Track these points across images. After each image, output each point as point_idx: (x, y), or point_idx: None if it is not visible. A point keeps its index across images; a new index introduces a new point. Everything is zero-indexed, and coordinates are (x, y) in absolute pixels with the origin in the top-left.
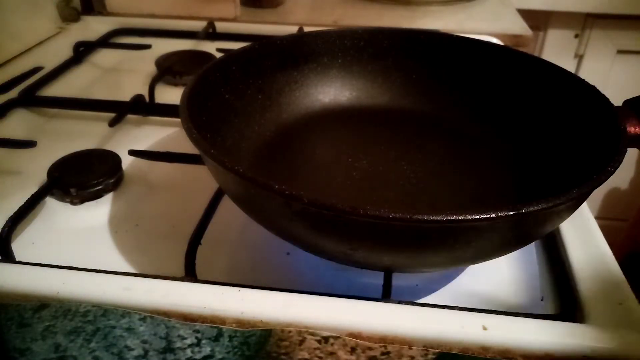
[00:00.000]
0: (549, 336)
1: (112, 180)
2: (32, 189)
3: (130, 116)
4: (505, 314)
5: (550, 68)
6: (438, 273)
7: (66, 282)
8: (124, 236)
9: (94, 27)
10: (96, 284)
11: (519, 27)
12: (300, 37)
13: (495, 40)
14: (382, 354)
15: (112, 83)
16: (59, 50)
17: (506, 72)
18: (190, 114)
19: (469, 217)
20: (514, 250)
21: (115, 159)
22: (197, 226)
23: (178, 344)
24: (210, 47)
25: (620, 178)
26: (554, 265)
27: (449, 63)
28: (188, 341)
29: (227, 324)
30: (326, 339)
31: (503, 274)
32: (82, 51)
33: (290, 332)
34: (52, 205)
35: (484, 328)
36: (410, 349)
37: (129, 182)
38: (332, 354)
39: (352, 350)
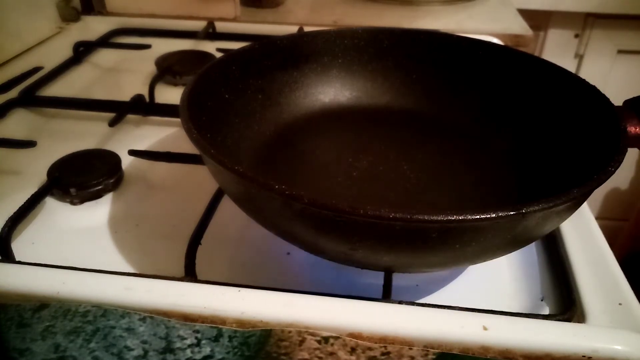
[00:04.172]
0: (549, 336)
1: (112, 180)
2: (32, 189)
3: (130, 116)
4: (505, 314)
5: (551, 68)
6: (438, 273)
7: (66, 282)
8: (124, 236)
9: (94, 27)
10: (96, 284)
11: (520, 27)
12: (300, 37)
13: (495, 40)
14: (382, 354)
15: (112, 83)
16: (59, 50)
17: (506, 72)
18: (190, 114)
19: (469, 217)
20: (514, 250)
21: (115, 159)
22: (197, 226)
23: (178, 344)
24: (210, 47)
25: (621, 178)
26: (554, 265)
27: (449, 63)
28: (188, 341)
29: (227, 324)
30: (326, 339)
31: (503, 274)
32: (82, 51)
33: (290, 332)
34: (52, 205)
35: (484, 328)
36: (411, 349)
37: (129, 182)
38: (332, 354)
39: (352, 350)
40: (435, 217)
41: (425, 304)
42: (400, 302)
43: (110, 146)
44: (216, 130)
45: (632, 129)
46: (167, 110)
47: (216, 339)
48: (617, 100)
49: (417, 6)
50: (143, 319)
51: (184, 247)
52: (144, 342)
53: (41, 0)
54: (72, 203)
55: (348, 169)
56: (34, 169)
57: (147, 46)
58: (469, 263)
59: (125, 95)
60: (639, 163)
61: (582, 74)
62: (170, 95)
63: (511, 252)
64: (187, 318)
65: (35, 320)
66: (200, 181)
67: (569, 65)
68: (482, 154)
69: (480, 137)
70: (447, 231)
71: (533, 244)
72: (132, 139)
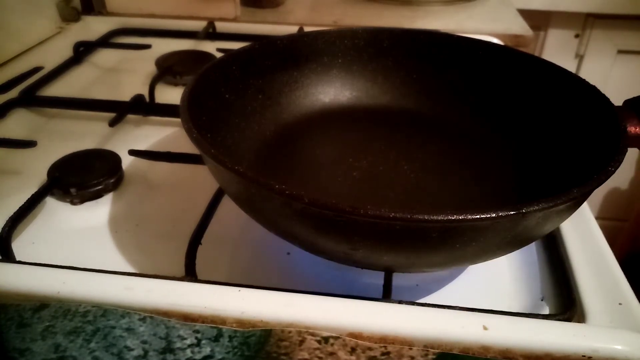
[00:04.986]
0: (549, 336)
1: (112, 180)
2: (32, 189)
3: (130, 116)
4: (505, 314)
5: (551, 68)
6: (438, 273)
7: (66, 282)
8: (124, 236)
9: (94, 27)
10: (96, 284)
11: (520, 27)
12: (301, 37)
13: (495, 40)
14: (382, 354)
15: (112, 83)
16: (59, 50)
17: (506, 72)
18: (191, 114)
19: (469, 217)
20: (514, 250)
21: (115, 159)
22: (197, 226)
23: (178, 344)
24: (210, 47)
25: (620, 178)
26: (554, 265)
27: (449, 63)
28: (188, 341)
29: (227, 324)
30: (326, 339)
31: (503, 274)
32: (82, 51)
33: (290, 332)
34: (52, 205)
35: (485, 328)
36: (411, 349)
37: (129, 182)
38: (332, 354)
39: (352, 350)
40: (435, 217)
41: (425, 303)
42: (400, 302)
43: (110, 146)
44: (216, 130)
45: (632, 129)
46: (167, 110)
47: (216, 339)
48: (617, 100)
49: (417, 6)
50: (143, 319)
51: (184, 247)
52: (144, 342)
53: (41, 1)
54: (72, 203)
55: (348, 169)
56: (34, 169)
57: (147, 46)
58: (469, 263)
59: (125, 95)
60: (639, 163)
61: (582, 74)
62: (170, 95)
63: (511, 252)
64: (187, 318)
65: (36, 320)
66: (200, 181)
67: (569, 65)
68: (482, 153)
69: (480, 137)
70: (447, 231)
71: (533, 244)
72: (132, 139)
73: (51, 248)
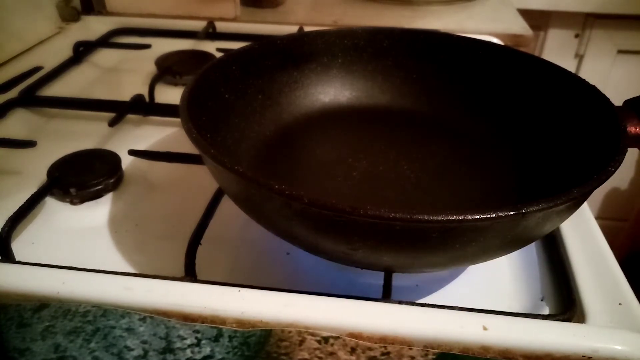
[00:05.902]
0: (549, 336)
1: (112, 180)
2: (32, 189)
3: (130, 116)
4: (505, 314)
5: (551, 68)
6: (438, 273)
7: (66, 282)
8: (124, 236)
9: (94, 27)
10: (96, 284)
11: (519, 27)
12: (300, 37)
13: (495, 40)
14: (382, 354)
15: (112, 83)
16: (59, 50)
17: (506, 72)
18: (190, 114)
19: (469, 217)
20: (514, 250)
21: (115, 159)
22: (197, 226)
23: (178, 344)
24: (210, 47)
25: (620, 178)
26: (554, 265)
27: (449, 63)
28: (188, 341)
29: (227, 324)
30: (326, 339)
31: (503, 274)
32: (82, 51)
33: (290, 332)
34: (52, 205)
35: (484, 328)
36: (411, 349)
37: (129, 182)
38: (332, 354)
39: (352, 350)
40: (435, 217)
41: (425, 304)
42: (400, 302)
43: (110, 146)
44: (216, 130)
45: (632, 129)
46: (167, 110)
47: (216, 339)
48: (617, 100)
49: (417, 6)
50: (143, 319)
51: (184, 247)
52: (144, 342)
53: (41, 0)
54: (72, 203)
55: (348, 169)
56: (34, 169)
57: (147, 46)
58: (469, 263)
59: (125, 95)
60: (639, 163)
61: (582, 74)
62: (170, 95)
63: (511, 252)
64: (187, 318)
65: (35, 320)
66: (200, 181)
67: (569, 65)
68: (482, 153)
69: (480, 137)
70: (447, 231)
71: (533, 244)
72: (132, 139)
73: (51, 248)
